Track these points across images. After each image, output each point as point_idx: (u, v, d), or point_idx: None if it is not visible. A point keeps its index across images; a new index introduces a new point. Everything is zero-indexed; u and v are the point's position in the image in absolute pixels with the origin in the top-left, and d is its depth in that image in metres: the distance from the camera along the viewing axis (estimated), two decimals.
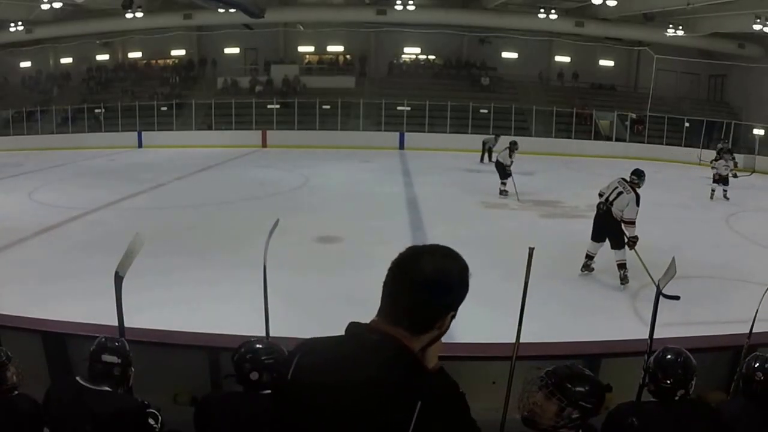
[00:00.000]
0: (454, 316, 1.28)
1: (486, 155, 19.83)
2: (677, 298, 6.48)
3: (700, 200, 13.55)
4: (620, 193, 7.09)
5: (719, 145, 15.68)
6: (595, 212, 7.59)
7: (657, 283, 2.76)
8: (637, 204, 6.99)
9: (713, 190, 13.74)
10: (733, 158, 14.10)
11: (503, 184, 13.41)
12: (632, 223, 7.00)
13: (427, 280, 1.23)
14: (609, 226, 7.14)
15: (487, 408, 2.29)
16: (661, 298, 2.81)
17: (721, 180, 13.61)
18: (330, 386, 1.21)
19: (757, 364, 2.36)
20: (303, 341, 1.34)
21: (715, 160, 14.07)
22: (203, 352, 3.03)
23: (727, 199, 13.46)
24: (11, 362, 2.39)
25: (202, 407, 2.32)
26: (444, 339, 1.33)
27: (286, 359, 1.33)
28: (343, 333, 1.30)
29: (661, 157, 21.94)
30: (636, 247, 7.10)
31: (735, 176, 13.82)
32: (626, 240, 7.05)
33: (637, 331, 3.65)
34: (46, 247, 8.87)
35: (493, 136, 20.32)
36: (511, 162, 13.36)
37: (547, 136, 24.25)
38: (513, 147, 13.54)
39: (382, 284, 1.28)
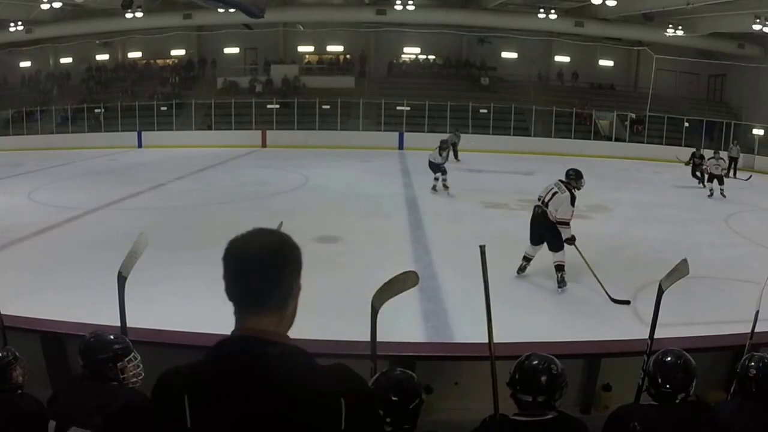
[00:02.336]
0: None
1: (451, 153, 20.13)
2: (627, 302, 6.51)
3: (700, 200, 13.55)
4: (555, 194, 6.89)
5: (700, 150, 15.87)
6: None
7: (660, 283, 2.76)
8: (572, 204, 6.80)
9: (711, 189, 13.87)
10: (723, 159, 14.41)
11: (436, 179, 13.58)
12: (566, 223, 6.80)
13: (273, 251, 1.25)
14: (544, 228, 6.92)
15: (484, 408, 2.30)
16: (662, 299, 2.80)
17: (716, 178, 13.79)
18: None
19: (752, 363, 2.37)
20: (169, 373, 1.29)
21: (689, 161, 14.93)
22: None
23: (725, 197, 13.58)
24: (18, 362, 2.39)
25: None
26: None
27: (169, 397, 1.24)
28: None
29: (660, 157, 21.93)
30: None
31: (727, 176, 13.97)
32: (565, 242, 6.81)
33: (637, 331, 3.66)
34: (45, 247, 8.86)
35: (453, 133, 20.43)
36: (444, 160, 13.55)
37: (547, 136, 24.27)
38: (443, 145, 13.74)
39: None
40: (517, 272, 7.33)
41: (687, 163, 15.38)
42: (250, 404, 1.18)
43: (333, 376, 1.26)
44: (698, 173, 15.01)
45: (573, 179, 7.02)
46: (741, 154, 19.21)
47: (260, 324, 1.24)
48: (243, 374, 1.20)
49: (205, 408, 1.19)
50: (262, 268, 1.23)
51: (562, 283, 6.89)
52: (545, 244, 7.07)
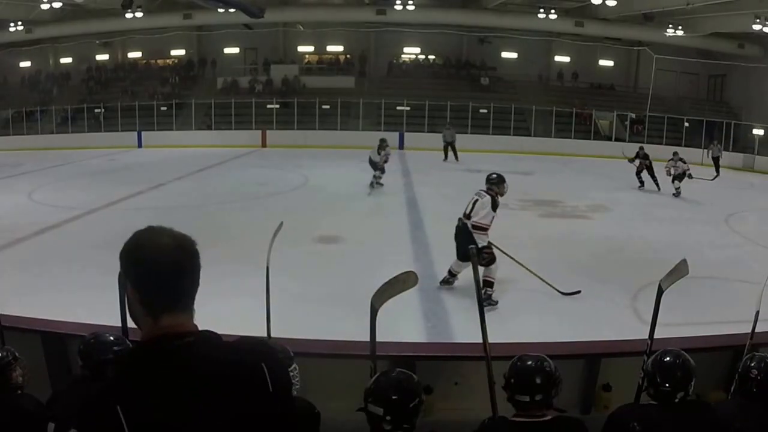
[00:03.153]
0: None
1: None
2: (578, 292, 6.58)
3: (700, 200, 13.54)
4: (476, 202, 6.49)
5: (644, 150, 15.20)
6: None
7: (659, 283, 2.76)
8: (493, 209, 6.41)
9: (677, 189, 13.86)
10: (683, 160, 14.06)
11: (374, 177, 13.91)
12: (482, 229, 6.35)
13: (184, 249, 1.29)
14: (467, 242, 6.11)
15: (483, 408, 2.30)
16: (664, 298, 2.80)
17: (675, 179, 13.82)
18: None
19: (753, 363, 2.37)
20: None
21: (634, 158, 14.86)
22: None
23: (677, 195, 13.70)
24: (18, 362, 2.39)
25: None
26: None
27: (103, 419, 1.17)
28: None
29: (660, 157, 21.91)
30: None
31: (690, 177, 13.91)
32: (479, 253, 6.10)
33: (637, 331, 3.65)
34: (45, 247, 8.86)
35: (447, 129, 21.12)
36: (383, 159, 13.84)
37: (547, 136, 24.27)
38: (382, 144, 13.98)
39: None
40: (440, 284, 6.97)
41: (631, 160, 14.95)
42: (183, 394, 1.20)
43: (246, 347, 1.35)
44: (641, 174, 14.75)
45: (494, 184, 6.60)
46: (723, 152, 19.17)
47: (177, 320, 1.27)
48: (168, 369, 1.22)
49: (140, 413, 1.16)
50: (182, 269, 1.28)
51: (488, 300, 6.14)
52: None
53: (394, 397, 2.05)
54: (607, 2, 20.18)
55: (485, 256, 6.34)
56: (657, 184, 14.43)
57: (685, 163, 13.94)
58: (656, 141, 23.46)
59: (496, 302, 6.40)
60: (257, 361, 1.31)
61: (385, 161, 13.96)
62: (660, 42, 23.38)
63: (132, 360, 1.35)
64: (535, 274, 6.72)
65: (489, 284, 6.37)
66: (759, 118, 22.21)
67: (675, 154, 14.27)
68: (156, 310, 1.26)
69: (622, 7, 21.27)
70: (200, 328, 1.33)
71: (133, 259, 1.26)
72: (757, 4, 18.16)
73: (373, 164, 13.93)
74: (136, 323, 1.32)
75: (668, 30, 21.90)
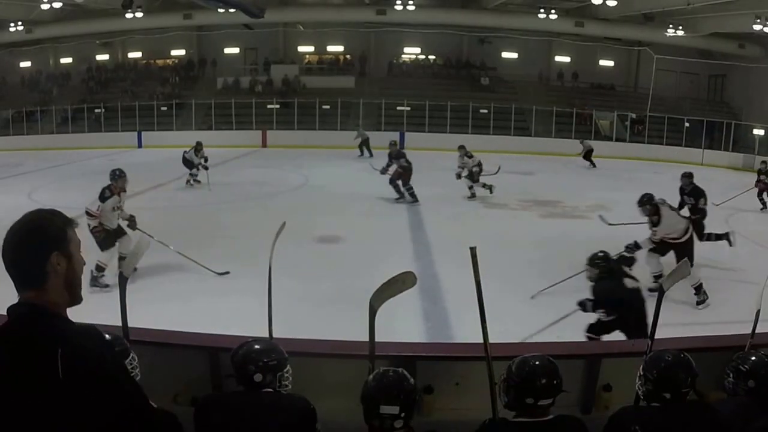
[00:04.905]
0: (67, 256, 1.45)
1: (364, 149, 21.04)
2: (227, 273, 6.96)
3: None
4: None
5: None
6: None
7: (660, 284, 2.76)
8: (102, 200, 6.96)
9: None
10: (473, 157, 13.18)
11: (191, 175, 14.28)
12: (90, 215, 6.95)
13: (16, 233, 1.44)
14: None
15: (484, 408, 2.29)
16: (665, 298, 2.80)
17: (469, 177, 13.13)
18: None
19: (741, 361, 2.43)
20: None
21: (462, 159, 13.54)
22: (204, 352, 3.03)
23: (473, 196, 13.08)
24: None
25: (201, 407, 2.32)
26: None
27: None
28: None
29: (661, 157, 21.95)
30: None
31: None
32: None
33: None
34: None
35: (359, 128, 21.77)
36: (200, 159, 14.02)
37: (547, 136, 24.26)
38: (198, 146, 14.26)
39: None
40: None
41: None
42: (3, 351, 1.37)
43: (65, 333, 1.40)
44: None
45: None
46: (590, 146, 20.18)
47: (26, 295, 1.44)
48: (3, 331, 1.41)
49: None
50: (7, 252, 1.44)
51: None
52: None
53: (403, 394, 2.09)
54: (607, 2, 20.17)
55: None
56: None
57: (471, 157, 13.09)
58: (656, 141, 23.50)
59: None
60: (55, 344, 1.35)
61: (200, 161, 14.02)
62: (660, 42, 23.37)
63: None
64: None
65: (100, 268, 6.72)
66: (759, 118, 22.21)
67: (461, 148, 13.33)
68: (17, 287, 1.44)
69: (622, 7, 21.26)
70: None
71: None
72: (757, 4, 18.15)
73: (188, 163, 14.15)
74: None
75: (668, 30, 21.90)
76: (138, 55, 29.74)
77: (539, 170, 18.08)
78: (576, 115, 24.71)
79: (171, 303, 6.04)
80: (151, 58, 29.74)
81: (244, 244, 7.23)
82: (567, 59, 28.40)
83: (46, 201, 12.51)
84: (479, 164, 13.07)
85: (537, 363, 2.17)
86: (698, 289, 6.60)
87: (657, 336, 2.79)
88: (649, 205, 7.05)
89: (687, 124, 23.47)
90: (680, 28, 21.80)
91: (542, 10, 23.42)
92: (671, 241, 6.81)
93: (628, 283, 4.68)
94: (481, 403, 2.38)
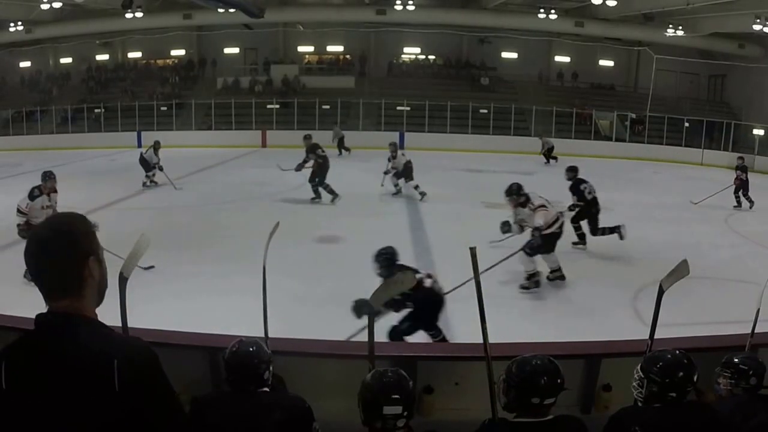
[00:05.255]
0: (99, 261, 1.43)
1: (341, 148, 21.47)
2: (152, 267, 6.87)
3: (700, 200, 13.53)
4: None
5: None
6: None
7: (660, 284, 2.75)
8: None
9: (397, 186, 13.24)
10: (403, 155, 13.14)
11: (147, 177, 14.31)
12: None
13: (50, 240, 1.38)
14: None
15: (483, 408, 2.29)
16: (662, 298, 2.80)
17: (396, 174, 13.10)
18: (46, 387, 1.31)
19: (746, 359, 2.47)
20: None
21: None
22: (203, 352, 3.03)
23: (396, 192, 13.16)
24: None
25: (197, 407, 2.31)
26: None
27: None
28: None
29: (660, 157, 21.95)
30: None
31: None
32: None
33: (637, 331, 3.65)
34: None
35: (336, 127, 22.32)
36: (157, 159, 14.16)
37: (547, 136, 24.23)
38: (156, 146, 14.33)
39: None
40: None
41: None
42: (39, 363, 1.33)
43: (114, 342, 1.39)
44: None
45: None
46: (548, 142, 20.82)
47: (59, 304, 1.38)
48: (37, 341, 1.37)
49: (16, 373, 1.33)
50: (45, 261, 1.39)
51: None
52: None
53: (405, 394, 2.10)
54: (607, 2, 20.17)
55: None
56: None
57: (395, 158, 13.00)
58: (656, 141, 23.50)
59: None
60: (111, 356, 1.32)
61: (158, 162, 14.09)
62: (660, 42, 23.38)
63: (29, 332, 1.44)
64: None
65: None
66: (759, 118, 22.20)
67: (392, 145, 13.21)
68: (47, 295, 1.39)
69: (622, 7, 21.26)
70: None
71: (26, 249, 1.41)
72: (757, 4, 18.15)
73: (145, 164, 14.26)
74: None
75: (668, 30, 21.90)
76: (138, 55, 29.74)
77: (539, 170, 18.07)
78: (576, 115, 24.71)
79: (170, 303, 6.04)
80: (151, 58, 29.74)
81: (243, 244, 7.22)
82: (567, 59, 28.40)
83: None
84: (407, 164, 12.98)
85: (538, 362, 2.16)
86: (531, 277, 6.94)
87: (657, 336, 2.79)
88: (516, 195, 7.22)
89: (687, 124, 23.47)
90: (680, 28, 21.80)
91: (542, 10, 23.42)
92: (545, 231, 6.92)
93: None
94: (480, 403, 2.38)
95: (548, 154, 20.52)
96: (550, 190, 14.34)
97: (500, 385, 2.19)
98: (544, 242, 6.87)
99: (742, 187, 12.74)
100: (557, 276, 7.13)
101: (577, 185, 9.09)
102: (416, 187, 12.83)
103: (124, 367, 1.31)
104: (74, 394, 1.30)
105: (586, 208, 8.91)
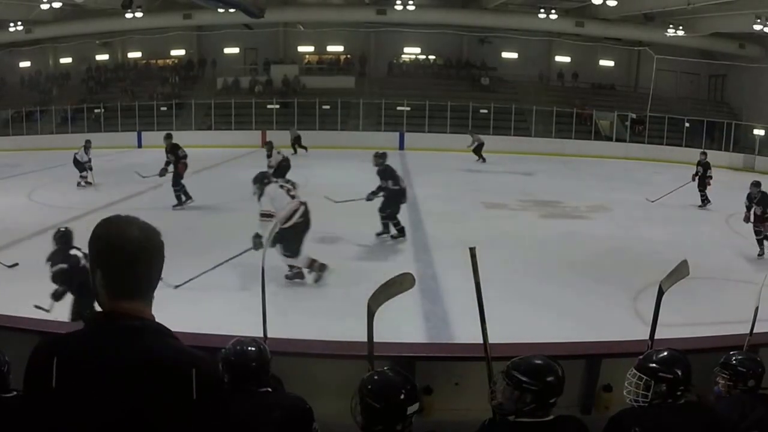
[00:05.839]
0: None
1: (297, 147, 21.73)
2: (16, 264, 7.15)
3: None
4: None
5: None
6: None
7: (660, 284, 2.75)
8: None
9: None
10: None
11: (81, 177, 14.42)
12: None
13: (149, 242, 1.36)
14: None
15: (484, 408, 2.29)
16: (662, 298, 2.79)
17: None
18: (103, 386, 1.25)
19: (742, 359, 2.48)
20: (46, 340, 1.39)
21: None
22: (203, 352, 3.02)
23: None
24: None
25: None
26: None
27: (39, 362, 1.31)
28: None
29: (661, 157, 21.95)
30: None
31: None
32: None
33: (637, 331, 3.64)
34: (45, 247, 8.81)
35: (291, 129, 22.65)
36: (89, 158, 14.53)
37: (547, 136, 24.26)
38: (87, 145, 14.67)
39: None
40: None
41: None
42: (108, 366, 1.26)
43: (184, 351, 1.36)
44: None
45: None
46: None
47: (132, 305, 1.33)
48: (104, 342, 1.30)
49: (71, 371, 1.27)
50: (144, 261, 1.35)
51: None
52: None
53: (415, 388, 2.08)
54: (607, 2, 20.18)
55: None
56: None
57: (270, 156, 13.25)
58: (657, 141, 23.50)
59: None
60: (189, 365, 1.31)
61: (90, 160, 14.36)
62: (660, 42, 23.37)
63: (86, 326, 1.39)
64: None
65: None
66: (759, 118, 22.20)
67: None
68: (116, 295, 1.32)
69: (622, 7, 21.26)
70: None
71: (102, 245, 1.33)
72: (758, 4, 18.16)
73: (78, 165, 14.33)
74: (98, 303, 1.37)
75: (669, 30, 21.90)
76: (138, 55, 29.73)
77: (539, 171, 18.07)
78: (576, 115, 24.71)
79: (170, 303, 6.03)
80: (151, 58, 29.73)
81: (243, 245, 7.21)
82: (567, 59, 28.40)
83: (45, 201, 12.50)
84: (281, 163, 13.20)
85: (539, 362, 2.15)
86: (292, 267, 7.19)
87: (657, 336, 2.79)
88: (261, 183, 7.56)
89: (687, 124, 23.47)
90: (680, 28, 21.80)
91: (542, 10, 23.43)
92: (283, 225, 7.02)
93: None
94: (480, 403, 2.37)
95: (478, 151, 20.25)
96: (550, 190, 14.44)
97: (513, 393, 2.07)
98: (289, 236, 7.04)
99: (702, 182, 12.85)
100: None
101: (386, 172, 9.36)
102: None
103: (202, 376, 1.31)
104: (148, 401, 1.26)
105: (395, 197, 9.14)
